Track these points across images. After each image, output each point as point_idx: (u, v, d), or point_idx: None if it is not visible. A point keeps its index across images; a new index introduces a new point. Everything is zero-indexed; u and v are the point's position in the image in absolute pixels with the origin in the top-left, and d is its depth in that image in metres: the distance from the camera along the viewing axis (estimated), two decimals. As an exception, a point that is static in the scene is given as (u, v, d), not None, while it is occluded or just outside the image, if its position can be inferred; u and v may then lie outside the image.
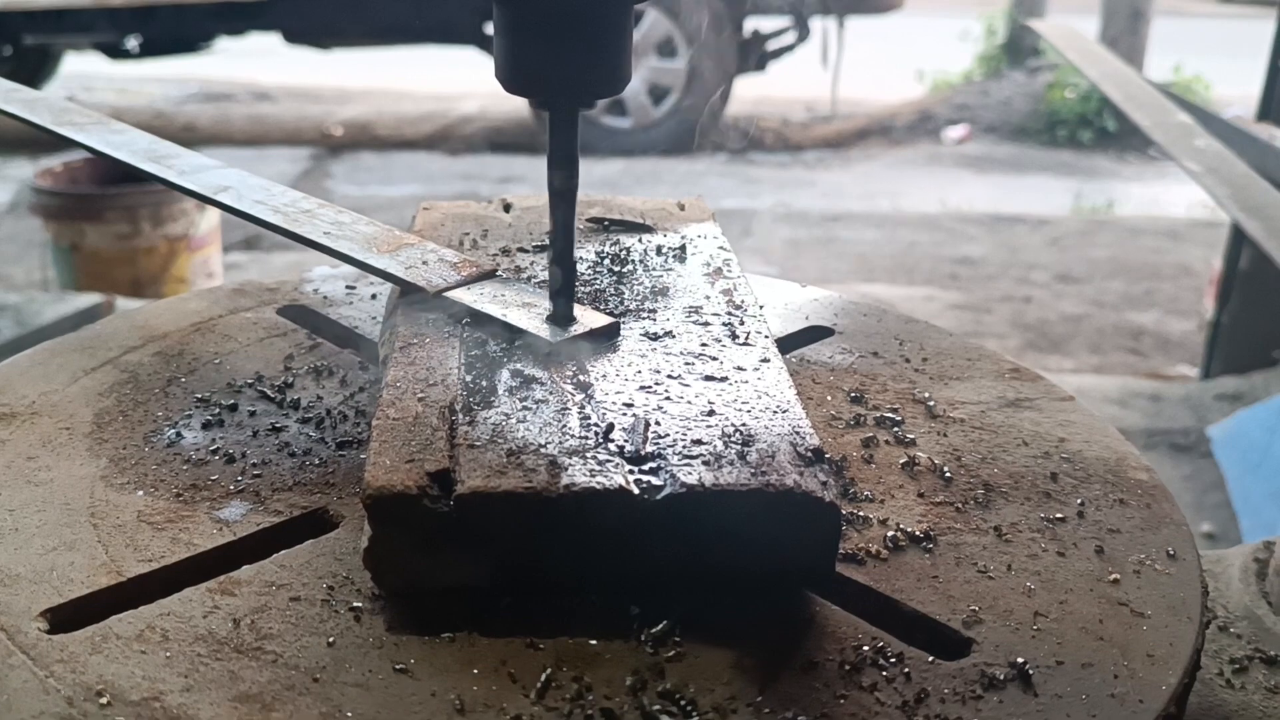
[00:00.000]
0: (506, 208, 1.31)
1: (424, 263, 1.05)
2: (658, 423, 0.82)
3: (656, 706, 0.68)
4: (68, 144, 1.21)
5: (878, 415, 1.04)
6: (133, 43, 7.29)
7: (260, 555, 0.81)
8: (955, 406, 1.07)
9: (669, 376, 0.89)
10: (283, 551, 0.82)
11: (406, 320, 0.98)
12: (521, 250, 1.16)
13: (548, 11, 0.82)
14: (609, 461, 0.77)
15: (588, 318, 0.96)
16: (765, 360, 0.93)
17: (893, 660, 0.73)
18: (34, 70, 7.81)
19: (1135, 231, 5.88)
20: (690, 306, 1.03)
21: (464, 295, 1.00)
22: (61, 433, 0.96)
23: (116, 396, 1.02)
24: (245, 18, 7.05)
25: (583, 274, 1.10)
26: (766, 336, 0.97)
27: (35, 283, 4.46)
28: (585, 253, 1.16)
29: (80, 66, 8.63)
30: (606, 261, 1.14)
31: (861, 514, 0.89)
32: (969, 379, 1.13)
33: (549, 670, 0.70)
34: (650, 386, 0.87)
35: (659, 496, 0.74)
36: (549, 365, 0.90)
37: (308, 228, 1.09)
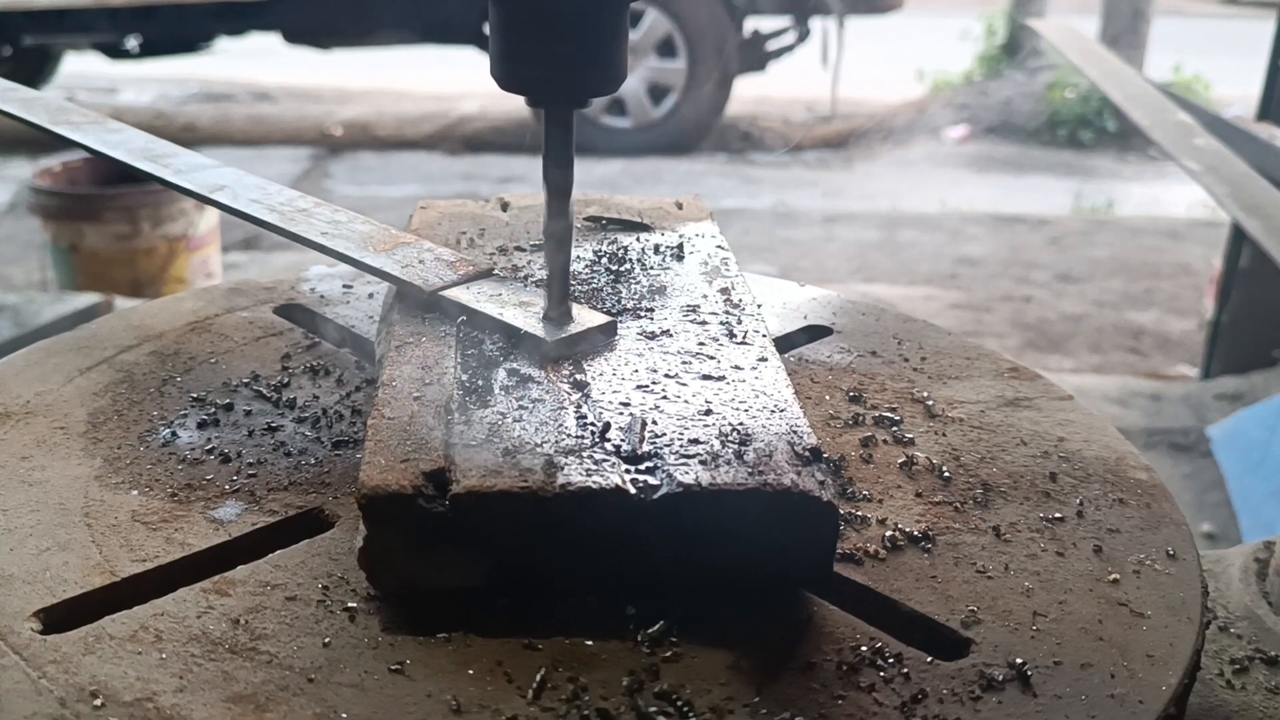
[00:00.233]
0: (504, 207, 1.30)
1: (420, 261, 1.04)
2: (654, 422, 0.81)
3: (653, 708, 0.67)
4: (66, 144, 1.20)
5: (876, 414, 1.04)
6: (133, 43, 7.28)
7: (255, 555, 0.81)
8: (954, 406, 1.07)
9: (666, 375, 0.89)
10: (278, 551, 0.81)
11: (403, 319, 0.98)
12: (518, 249, 1.16)
13: (542, 9, 0.82)
14: (605, 461, 0.77)
15: (585, 316, 0.96)
16: (763, 359, 0.92)
17: (891, 661, 0.73)
18: (34, 70, 7.81)
19: (1135, 231, 5.88)
20: (688, 305, 1.02)
21: (460, 294, 0.99)
22: (56, 432, 0.96)
23: (112, 396, 1.02)
24: (245, 18, 7.05)
25: (580, 273, 1.10)
26: (764, 335, 0.97)
27: (34, 283, 4.46)
28: (583, 251, 1.16)
29: (80, 67, 8.63)
30: (604, 260, 1.14)
31: (860, 514, 0.88)
32: (968, 378, 1.13)
33: (545, 671, 0.70)
34: (647, 385, 0.87)
35: (655, 496, 0.74)
36: (545, 364, 0.90)
37: (304, 226, 1.08)
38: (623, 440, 0.79)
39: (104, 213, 3.95)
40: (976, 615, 0.78)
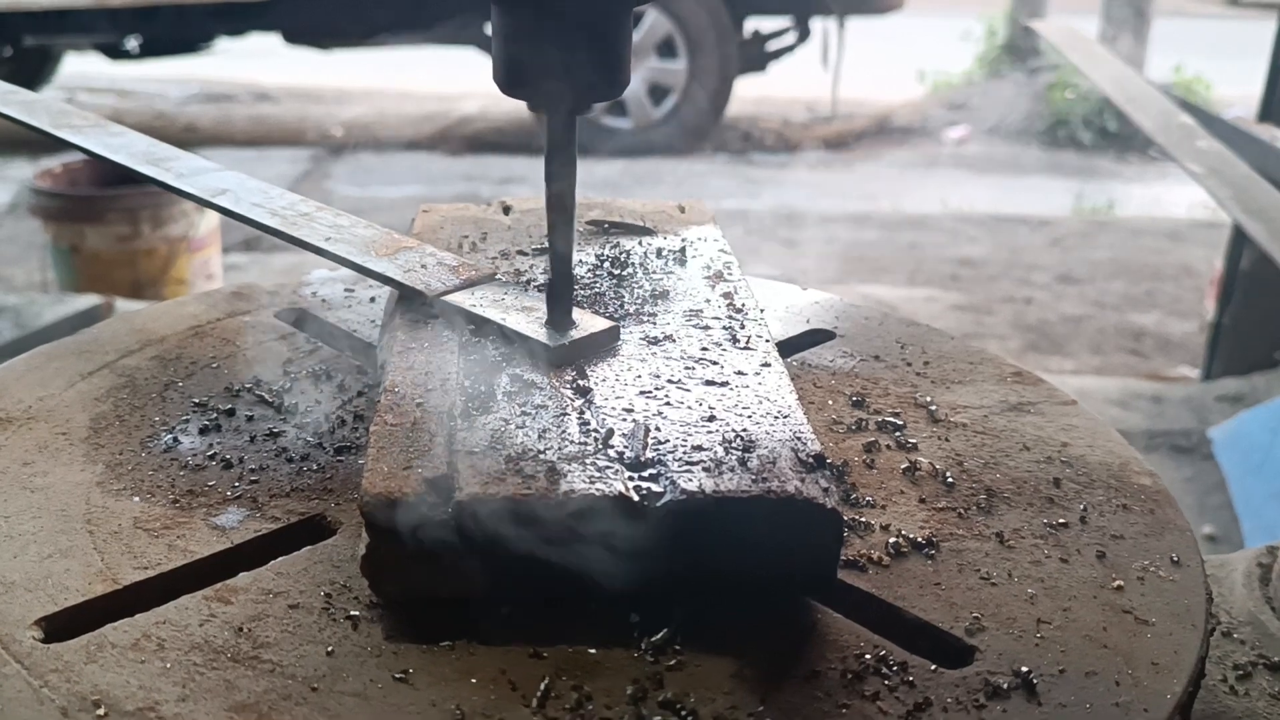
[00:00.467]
0: (506, 210, 1.30)
1: (423, 266, 1.04)
2: (658, 428, 0.81)
3: (657, 717, 0.67)
4: (67, 146, 1.20)
5: (879, 420, 1.04)
6: (133, 43, 7.28)
7: (257, 562, 0.80)
8: (957, 411, 1.06)
9: (669, 381, 0.89)
10: (280, 558, 0.81)
11: (405, 324, 0.97)
12: (521, 253, 1.16)
13: (545, 14, 0.82)
14: (609, 468, 0.76)
15: (587, 322, 0.95)
16: (766, 364, 0.92)
17: (895, 669, 0.73)
18: (34, 71, 7.80)
19: (1136, 232, 5.87)
20: (690, 310, 1.02)
21: (463, 299, 0.99)
22: (58, 438, 0.95)
23: (113, 401, 1.02)
24: (245, 18, 7.04)
25: (582, 277, 1.09)
26: (767, 340, 0.97)
27: (35, 284, 4.45)
28: (585, 256, 1.15)
29: (80, 67, 8.63)
30: (606, 264, 1.14)
31: (863, 520, 0.88)
32: (971, 383, 1.12)
33: (549, 679, 0.70)
34: (650, 391, 0.87)
35: (659, 504, 0.73)
36: (548, 370, 0.89)
37: (306, 231, 1.08)
38: (626, 447, 0.79)
39: (105, 214, 3.95)
40: (980, 622, 0.77)
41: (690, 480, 0.75)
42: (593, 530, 0.73)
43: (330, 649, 0.72)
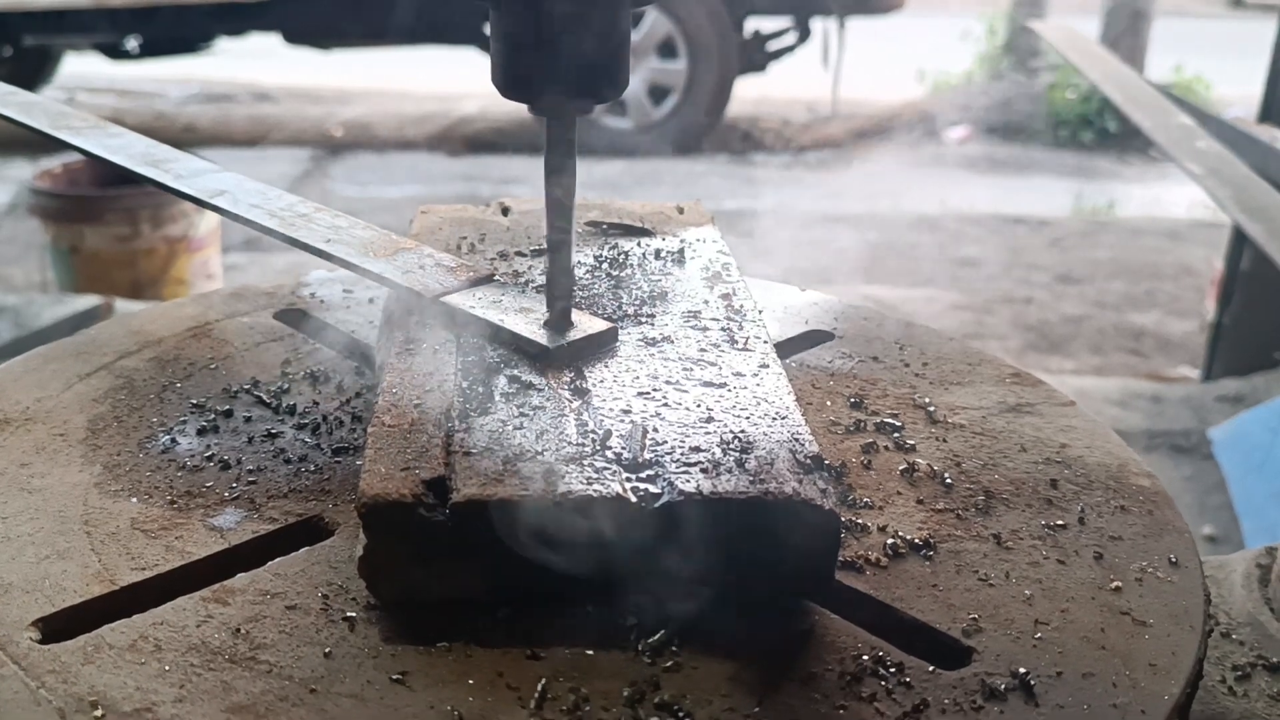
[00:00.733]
0: (505, 211, 1.30)
1: (421, 267, 1.04)
2: (655, 429, 0.81)
3: (654, 718, 0.67)
4: (66, 148, 1.20)
5: (878, 421, 1.04)
6: (133, 43, 7.28)
7: (255, 563, 0.80)
8: (956, 412, 1.06)
9: (667, 382, 0.89)
10: (278, 560, 0.81)
11: (403, 326, 0.97)
12: (519, 254, 1.16)
13: (544, 16, 0.82)
14: (606, 469, 0.76)
15: (585, 323, 0.95)
16: (764, 365, 0.92)
17: (892, 670, 0.73)
18: (34, 71, 7.80)
19: (1136, 232, 5.87)
20: (689, 311, 1.02)
21: (461, 300, 0.99)
22: (55, 439, 0.95)
23: (111, 402, 1.02)
24: (245, 18, 7.04)
25: (580, 278, 1.09)
26: (765, 341, 0.97)
27: (35, 285, 4.45)
28: (583, 257, 1.15)
29: (80, 67, 8.63)
30: (604, 266, 1.13)
31: (861, 521, 0.88)
32: (970, 384, 1.12)
33: (546, 681, 0.70)
34: (648, 392, 0.87)
35: (656, 505, 0.73)
36: (546, 371, 0.89)
37: (304, 232, 1.08)
38: (624, 448, 0.79)
39: (104, 214, 3.95)
40: (978, 624, 0.77)
41: (688, 481, 0.75)
42: (590, 531, 0.73)
43: (328, 650, 0.72)
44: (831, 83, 7.55)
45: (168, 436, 0.96)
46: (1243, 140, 2.46)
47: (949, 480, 0.94)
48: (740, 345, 0.95)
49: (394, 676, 0.70)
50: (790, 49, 7.28)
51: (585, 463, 0.77)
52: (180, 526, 0.84)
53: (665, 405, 0.85)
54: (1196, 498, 2.87)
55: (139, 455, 0.94)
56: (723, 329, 0.98)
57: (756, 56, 7.23)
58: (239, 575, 0.79)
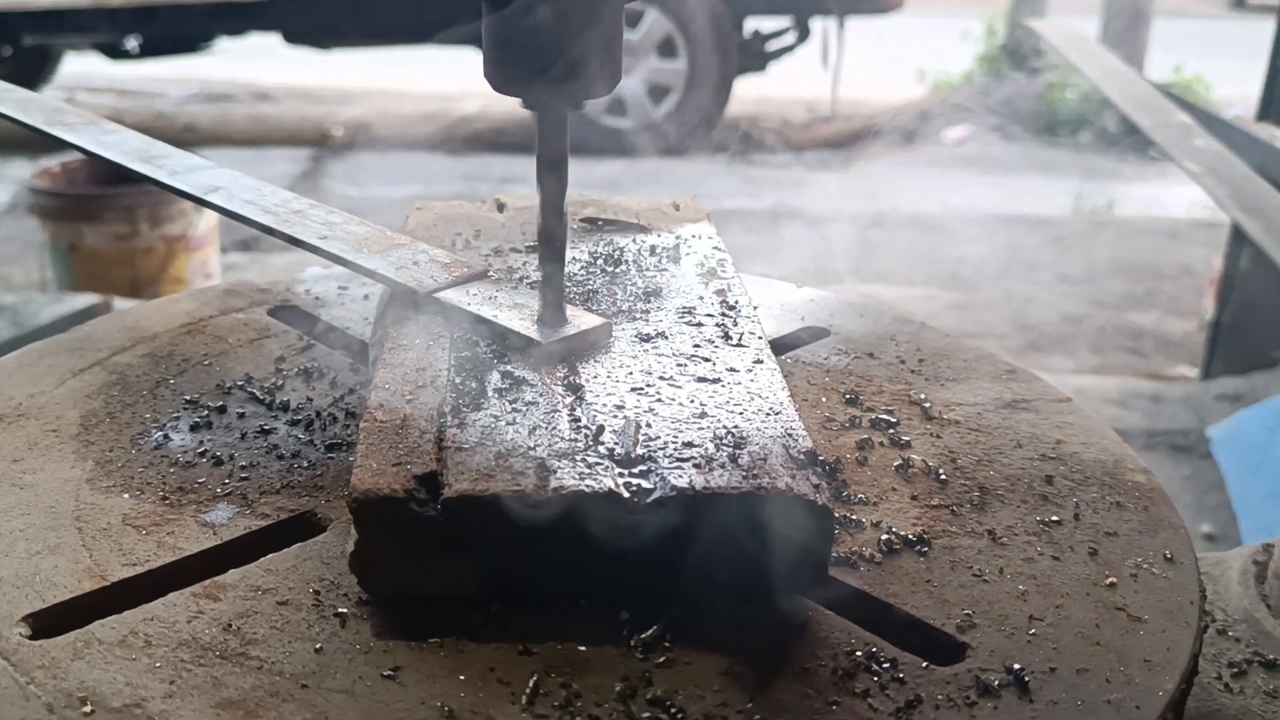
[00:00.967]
0: (500, 208, 1.30)
1: (415, 263, 1.04)
2: (648, 425, 0.81)
3: (646, 714, 0.67)
4: (62, 145, 1.20)
5: (873, 417, 1.03)
6: (133, 43, 7.27)
7: (247, 559, 0.80)
8: (951, 408, 1.06)
9: (661, 378, 0.88)
10: (270, 555, 0.81)
11: (396, 322, 0.97)
12: (514, 250, 1.16)
13: (535, 11, 0.81)
14: (599, 464, 0.76)
15: (579, 319, 0.95)
16: (758, 361, 0.92)
17: (886, 666, 0.72)
18: (34, 71, 7.80)
19: (1136, 232, 5.87)
20: (683, 307, 1.02)
21: (455, 296, 0.99)
22: (48, 435, 0.95)
23: (104, 398, 1.02)
24: (245, 18, 7.04)
25: (575, 274, 1.09)
26: (760, 337, 0.96)
27: (33, 283, 4.45)
28: (578, 253, 1.15)
29: (80, 67, 8.62)
30: (600, 262, 1.13)
31: (855, 517, 0.88)
32: (965, 380, 1.12)
33: (537, 677, 0.70)
34: (642, 388, 0.87)
35: (649, 500, 0.73)
36: (539, 367, 0.89)
37: (299, 228, 1.08)
38: (616, 443, 0.78)
39: (103, 213, 3.95)
40: (972, 620, 0.77)
41: (680, 477, 0.75)
42: (582, 527, 0.73)
43: (319, 646, 0.72)
44: (831, 83, 7.55)
45: (161, 432, 0.96)
46: (1241, 139, 2.46)
47: (944, 476, 0.94)
48: (734, 341, 0.95)
49: (385, 672, 0.70)
50: (790, 49, 7.27)
51: (578, 458, 0.77)
52: (172, 522, 0.84)
53: (659, 400, 0.85)
54: (1195, 496, 2.87)
55: (131, 451, 0.93)
56: (717, 325, 0.98)
57: (756, 56, 7.22)
58: (231, 571, 0.79)
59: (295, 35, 7.30)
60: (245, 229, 1.10)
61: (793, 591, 0.78)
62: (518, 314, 0.96)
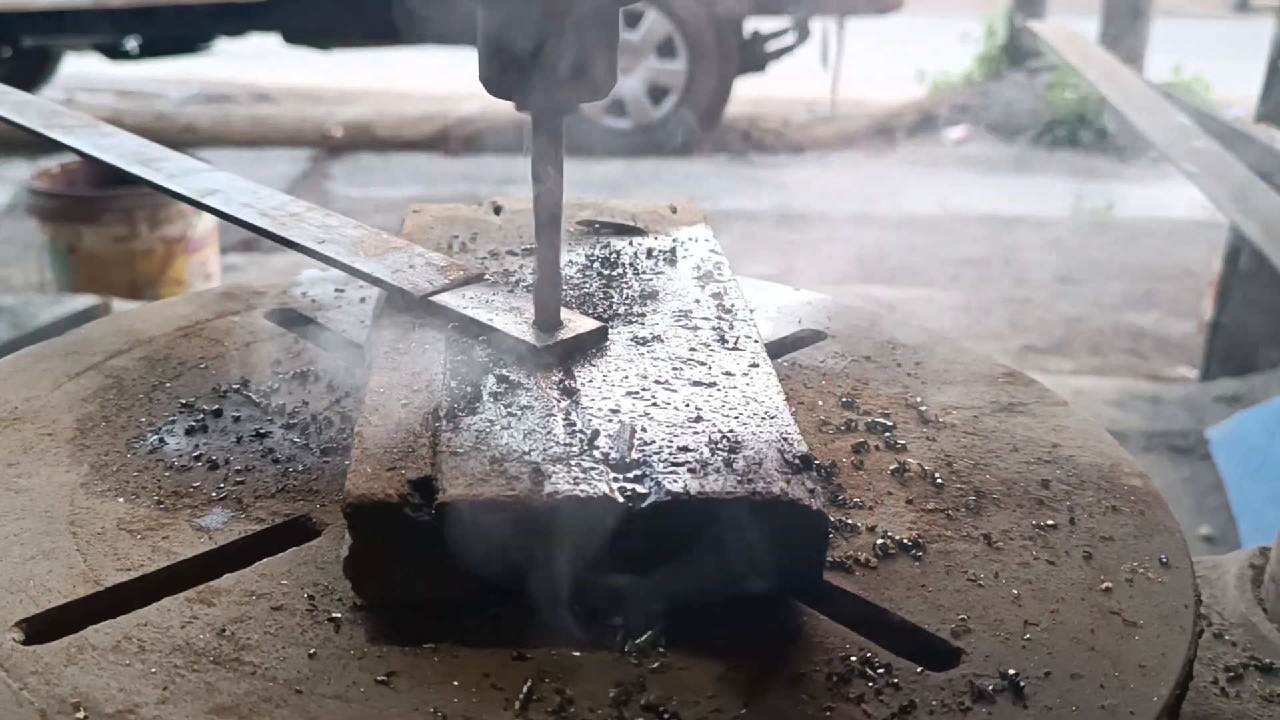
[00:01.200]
0: (496, 211, 1.30)
1: (411, 266, 1.04)
2: (644, 429, 0.81)
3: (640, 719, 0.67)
4: (59, 147, 1.20)
5: (869, 420, 1.03)
6: (132, 43, 7.27)
7: (241, 564, 0.80)
8: (948, 411, 1.06)
9: (656, 382, 0.88)
10: (264, 560, 0.81)
11: (392, 325, 0.97)
12: (510, 253, 1.15)
13: (529, 14, 0.81)
14: (593, 469, 0.76)
15: (575, 322, 0.95)
16: (754, 365, 0.92)
17: (881, 671, 0.72)
18: (34, 71, 7.80)
19: (1135, 233, 5.87)
20: (679, 310, 1.02)
21: (451, 299, 0.99)
22: (43, 439, 0.95)
23: (100, 402, 1.01)
24: (245, 18, 7.04)
25: (571, 277, 1.09)
26: (756, 341, 0.96)
27: (33, 285, 4.45)
28: (574, 256, 1.15)
29: (80, 67, 8.63)
30: (596, 265, 1.13)
31: (850, 521, 0.88)
32: (962, 383, 1.12)
33: (531, 682, 0.69)
34: (637, 392, 0.86)
35: (643, 505, 0.73)
36: (535, 371, 0.89)
37: (295, 231, 1.08)
38: (611, 448, 0.78)
39: (102, 214, 3.94)
40: (967, 625, 0.77)
41: (675, 481, 0.75)
42: (576, 532, 0.73)
43: (313, 651, 0.72)
44: (831, 83, 7.54)
45: (156, 436, 0.96)
46: (1241, 140, 2.45)
47: (940, 480, 0.94)
48: (730, 345, 0.95)
49: (379, 678, 0.70)
50: (790, 49, 7.27)
51: (572, 462, 0.77)
52: (167, 527, 0.84)
53: (654, 405, 0.84)
54: (1194, 498, 2.86)
55: (127, 455, 0.93)
56: (713, 328, 0.98)
57: (756, 56, 7.22)
58: (225, 576, 0.79)
59: (295, 36, 7.30)
60: (244, 230, 1.10)
61: (787, 596, 0.78)
62: (513, 317, 0.95)
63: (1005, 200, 6.50)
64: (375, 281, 1.02)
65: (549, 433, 0.80)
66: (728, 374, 0.90)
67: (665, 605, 0.75)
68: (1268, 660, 1.01)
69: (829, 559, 0.81)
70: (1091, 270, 5.24)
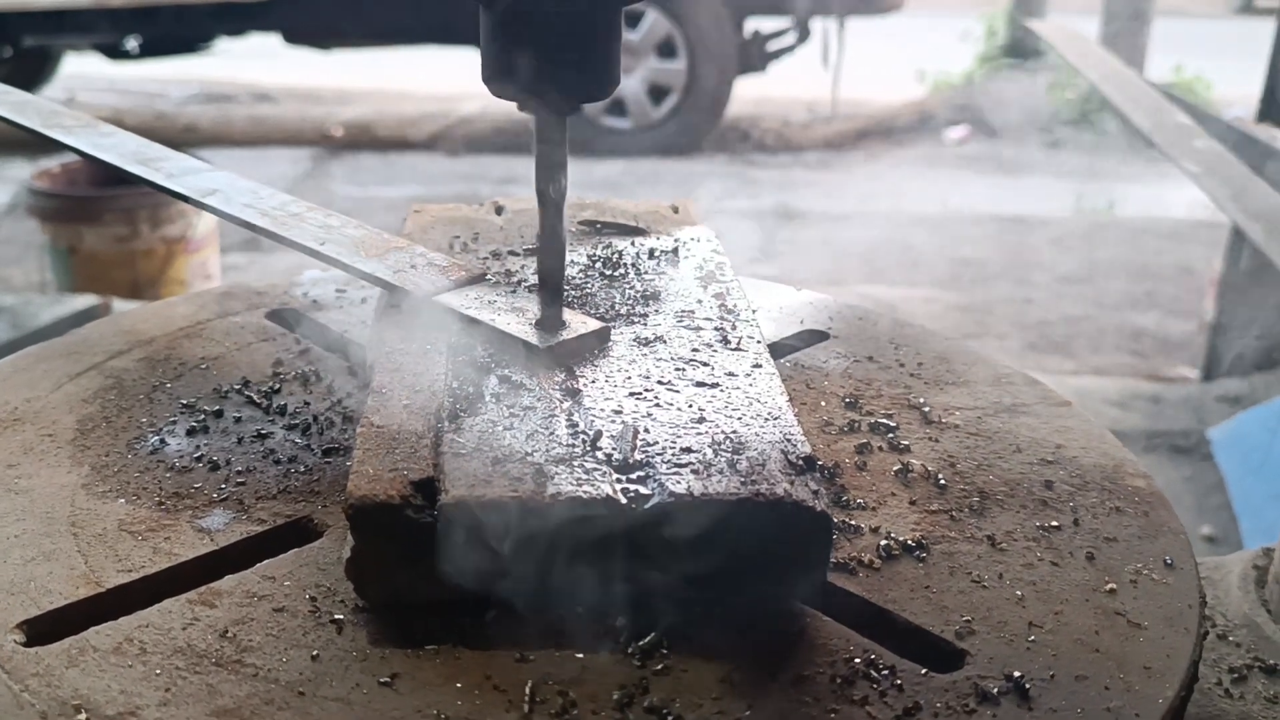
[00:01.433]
0: (498, 210, 1.29)
1: (413, 267, 1.03)
2: (647, 430, 0.80)
3: (642, 722, 0.67)
4: (59, 147, 1.20)
5: (872, 421, 1.03)
6: (133, 43, 7.27)
7: (243, 565, 0.80)
8: (951, 412, 1.06)
9: (659, 382, 0.88)
10: (266, 561, 0.80)
11: (394, 326, 0.97)
12: (512, 254, 1.15)
13: (532, 15, 0.81)
14: (596, 470, 0.76)
15: (577, 322, 0.95)
16: (757, 365, 0.91)
17: (885, 673, 0.72)
18: (34, 71, 7.80)
19: (1136, 232, 5.86)
20: (682, 311, 1.01)
21: (453, 300, 0.98)
22: (44, 440, 0.95)
23: (101, 403, 1.01)
24: (245, 18, 7.04)
25: (573, 278, 1.09)
26: (759, 341, 0.96)
27: (33, 285, 4.45)
28: (577, 256, 1.15)
29: (80, 67, 8.63)
30: (598, 265, 1.13)
31: (854, 522, 0.87)
32: (965, 384, 1.12)
33: (534, 684, 0.69)
34: (640, 393, 0.86)
35: (647, 506, 0.73)
36: (537, 371, 0.89)
37: (296, 231, 1.07)
38: (614, 449, 0.78)
39: (103, 214, 3.94)
40: (971, 626, 0.77)
41: (678, 482, 0.74)
42: (579, 533, 0.73)
43: (315, 653, 0.72)
44: (831, 83, 7.54)
45: (157, 437, 0.96)
46: (1242, 140, 2.45)
47: (943, 481, 0.94)
48: (733, 345, 0.95)
49: (382, 679, 0.70)
50: (790, 49, 7.26)
51: (575, 463, 0.76)
52: (168, 528, 0.84)
53: (657, 405, 0.84)
54: (1195, 498, 2.86)
55: (127, 456, 0.93)
56: (716, 329, 0.98)
57: (756, 56, 7.21)
58: (226, 577, 0.78)
59: (295, 35, 7.30)
60: (245, 230, 1.10)
61: (791, 597, 0.78)
62: (516, 318, 0.95)
63: (1006, 200, 6.50)
64: (377, 282, 1.02)
65: (551, 434, 0.80)
66: (730, 374, 0.90)
67: (668, 607, 0.75)
68: (1272, 661, 1.01)
69: (832, 560, 0.81)
70: (1092, 270, 5.24)
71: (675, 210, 1.30)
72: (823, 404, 1.06)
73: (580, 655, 0.72)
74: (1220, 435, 3.07)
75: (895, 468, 0.95)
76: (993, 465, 0.97)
